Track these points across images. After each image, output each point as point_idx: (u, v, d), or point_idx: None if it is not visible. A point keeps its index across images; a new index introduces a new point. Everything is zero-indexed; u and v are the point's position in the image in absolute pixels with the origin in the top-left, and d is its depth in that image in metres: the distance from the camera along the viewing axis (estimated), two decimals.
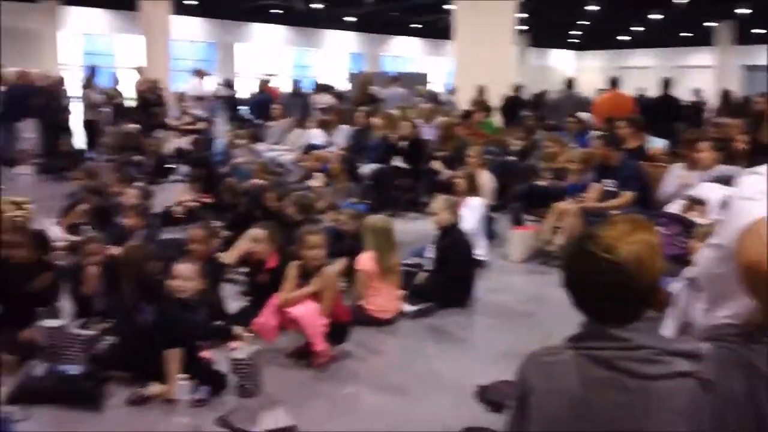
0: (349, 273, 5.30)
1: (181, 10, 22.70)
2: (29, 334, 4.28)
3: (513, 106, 12.88)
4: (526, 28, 29.37)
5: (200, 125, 13.09)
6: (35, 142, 11.73)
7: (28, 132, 11.80)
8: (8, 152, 11.35)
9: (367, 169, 9.04)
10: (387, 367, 4.43)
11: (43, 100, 11.76)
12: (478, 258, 6.13)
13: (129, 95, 13.93)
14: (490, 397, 3.78)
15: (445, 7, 14.44)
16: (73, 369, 3.88)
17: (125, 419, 3.66)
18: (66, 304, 4.79)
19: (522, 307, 5.62)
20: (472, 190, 6.82)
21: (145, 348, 3.81)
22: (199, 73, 15.07)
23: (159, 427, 3.58)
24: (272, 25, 33.41)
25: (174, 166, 10.89)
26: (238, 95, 16.87)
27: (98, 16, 28.55)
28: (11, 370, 4.03)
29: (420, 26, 33.76)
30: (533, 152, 9.27)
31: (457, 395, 3.93)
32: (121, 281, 4.27)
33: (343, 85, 20.32)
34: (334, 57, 35.74)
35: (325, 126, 10.93)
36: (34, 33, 24.80)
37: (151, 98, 13.29)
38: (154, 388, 3.76)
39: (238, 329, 4.55)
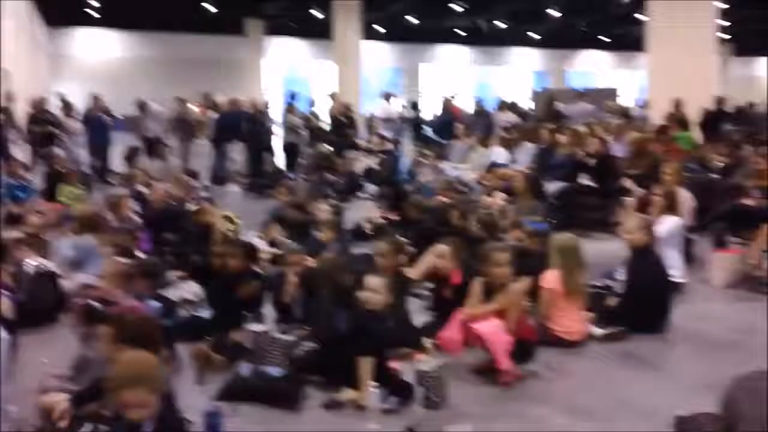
0: (534, 292, 5.22)
1: (371, 36, 23.81)
2: (237, 337, 4.69)
3: (715, 119, 11.99)
4: (729, 36, 27.22)
5: (388, 146, 13.60)
6: (242, 163, 12.87)
7: (236, 154, 12.98)
8: (219, 172, 12.57)
9: (552, 187, 8.86)
10: (575, 390, 4.30)
11: (249, 125, 12.89)
12: (675, 281, 5.75)
13: (323, 118, 14.84)
14: (688, 428, 3.53)
15: (637, 17, 13.80)
16: (275, 371, 4.20)
17: (320, 421, 3.89)
18: (269, 310, 5.19)
19: (725, 336, 5.18)
20: (669, 209, 6.43)
21: (340, 354, 4.03)
22: (387, 96, 15.70)
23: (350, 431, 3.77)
24: (456, 45, 33.94)
25: (363, 184, 11.42)
26: (422, 116, 17.31)
27: (298, 45, 30.78)
28: (220, 369, 4.45)
29: (609, 39, 32.55)
30: (738, 169, 8.55)
31: (650, 423, 3.73)
32: (317, 290, 4.56)
33: (528, 102, 20.11)
34: (518, 74, 35.48)
35: (509, 144, 10.90)
36: (240, 63, 27.30)
37: (343, 121, 14.05)
38: (347, 394, 3.97)
39: (424, 342, 4.66)
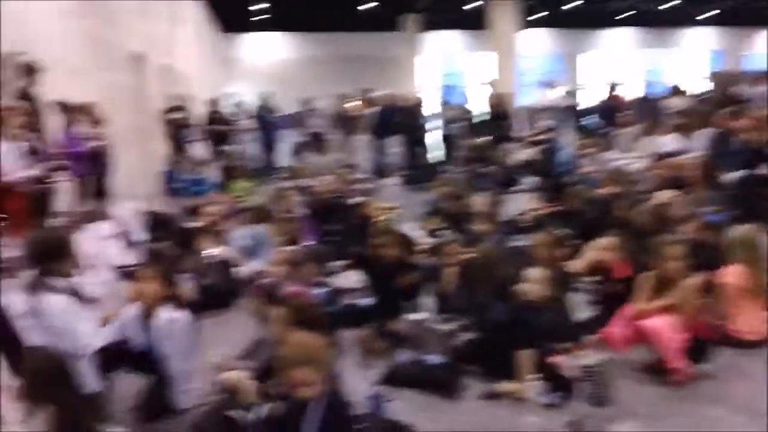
0: (709, 288, 4.86)
1: (529, 23, 23.24)
2: (396, 326, 4.79)
3: None
4: None
5: (547, 136, 13.22)
6: (400, 157, 13.10)
7: (394, 147, 13.24)
8: (379, 165, 12.89)
9: (730, 176, 8.19)
10: (754, 392, 3.96)
11: (405, 119, 13.09)
12: None
13: (479, 110, 14.72)
14: None
15: None
16: (434, 359, 4.25)
17: (478, 411, 3.88)
18: (427, 300, 5.24)
19: None
20: None
21: (498, 346, 4.00)
22: (548, 85, 15.27)
23: (509, 423, 3.72)
24: (621, 28, 32.29)
25: (522, 176, 11.18)
26: (584, 104, 16.65)
27: (453, 37, 30.76)
28: (381, 355, 4.57)
29: None
30: None
31: None
32: (475, 281, 4.53)
33: (702, 86, 18.70)
34: (690, 57, 33.11)
35: (681, 131, 10.19)
36: (395, 59, 27.77)
37: (500, 112, 13.85)
38: (506, 386, 3.92)
39: (586, 337, 4.49)
